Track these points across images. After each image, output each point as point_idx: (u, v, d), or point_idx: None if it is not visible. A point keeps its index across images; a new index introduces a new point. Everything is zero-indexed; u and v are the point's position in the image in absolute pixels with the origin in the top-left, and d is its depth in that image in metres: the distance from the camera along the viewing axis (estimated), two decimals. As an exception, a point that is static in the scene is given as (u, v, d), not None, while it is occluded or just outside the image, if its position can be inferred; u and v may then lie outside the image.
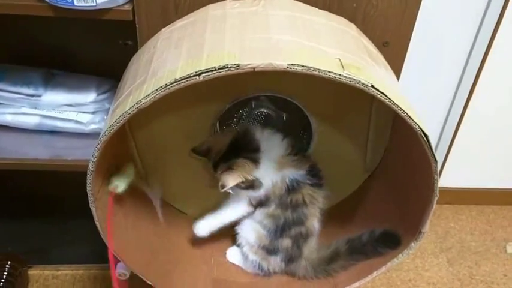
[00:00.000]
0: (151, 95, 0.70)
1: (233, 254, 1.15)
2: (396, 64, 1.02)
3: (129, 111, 0.72)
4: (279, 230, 1.04)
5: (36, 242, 1.48)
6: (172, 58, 0.77)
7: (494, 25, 1.41)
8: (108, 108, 1.14)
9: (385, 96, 0.71)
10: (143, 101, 0.71)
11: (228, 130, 1.09)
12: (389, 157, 1.12)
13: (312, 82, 0.79)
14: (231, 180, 0.95)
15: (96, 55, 1.23)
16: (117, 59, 1.00)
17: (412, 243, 0.93)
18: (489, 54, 1.46)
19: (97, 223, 0.89)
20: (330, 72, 0.68)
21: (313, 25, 0.86)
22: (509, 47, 1.47)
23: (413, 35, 1.02)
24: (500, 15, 1.38)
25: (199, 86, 0.69)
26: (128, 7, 0.94)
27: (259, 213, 1.06)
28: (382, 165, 1.15)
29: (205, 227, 1.06)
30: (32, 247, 1.46)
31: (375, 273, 1.00)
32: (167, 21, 0.95)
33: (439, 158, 1.73)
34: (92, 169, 0.80)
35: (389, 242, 0.99)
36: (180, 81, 0.68)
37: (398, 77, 1.05)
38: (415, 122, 0.73)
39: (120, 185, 0.93)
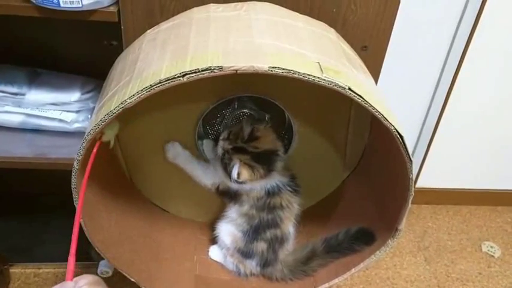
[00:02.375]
0: (136, 95, 0.72)
1: (215, 252, 1.16)
2: (375, 67, 1.05)
3: (114, 111, 0.74)
4: (254, 231, 1.06)
5: (17, 240, 1.47)
6: (157, 59, 0.79)
7: (470, 28, 1.44)
8: (93, 108, 1.15)
9: (361, 99, 0.73)
10: (128, 101, 0.72)
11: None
12: (368, 157, 1.15)
13: (293, 84, 0.81)
14: (246, 177, 0.98)
15: (81, 55, 1.24)
16: (102, 59, 1.01)
17: (389, 241, 0.96)
18: (465, 58, 1.50)
19: (81, 220, 0.89)
20: (309, 75, 0.70)
21: (294, 29, 0.88)
22: (485, 50, 1.50)
23: (391, 39, 1.05)
24: (476, 18, 1.42)
25: (183, 86, 0.71)
26: (113, 9, 0.95)
27: (234, 211, 1.09)
28: (360, 165, 1.17)
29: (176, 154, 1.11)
30: (14, 245, 1.45)
31: (353, 270, 1.02)
32: (152, 22, 0.96)
33: (418, 160, 1.76)
34: (76, 167, 0.81)
35: (364, 239, 1.02)
36: (164, 82, 0.70)
37: (376, 79, 1.07)
38: (390, 123, 0.76)
39: (107, 133, 0.89)
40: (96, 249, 0.94)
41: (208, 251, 1.17)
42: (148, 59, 0.81)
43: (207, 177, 1.10)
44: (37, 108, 1.14)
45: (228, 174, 1.00)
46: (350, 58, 0.89)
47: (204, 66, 0.69)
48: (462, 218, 1.87)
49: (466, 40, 1.47)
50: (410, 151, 0.81)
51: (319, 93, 0.96)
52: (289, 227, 1.08)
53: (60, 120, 1.14)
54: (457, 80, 1.56)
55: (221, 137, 1.03)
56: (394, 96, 1.51)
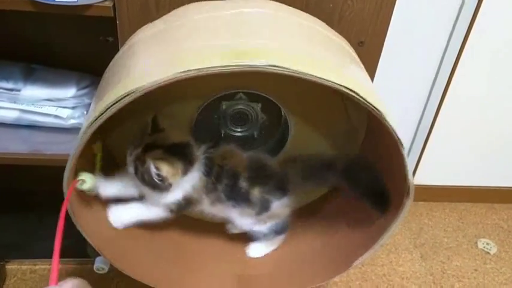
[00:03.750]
0: (140, 89, 0.71)
1: (256, 249, 1.16)
2: (371, 63, 1.05)
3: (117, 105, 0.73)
4: (232, 196, 1.02)
5: (13, 236, 1.47)
6: (154, 60, 0.79)
7: (468, 24, 1.44)
8: (88, 104, 1.15)
9: (357, 95, 0.74)
10: (131, 94, 0.71)
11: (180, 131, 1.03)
12: (364, 150, 1.15)
13: (289, 80, 0.81)
14: (167, 171, 0.91)
15: (77, 51, 1.23)
16: (98, 55, 1.00)
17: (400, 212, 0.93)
18: (462, 55, 1.50)
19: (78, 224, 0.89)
20: (319, 77, 0.71)
21: (289, 24, 0.88)
22: (483, 47, 1.51)
23: (388, 34, 1.04)
24: (473, 15, 1.42)
25: (177, 85, 0.71)
26: (108, 3, 0.94)
27: (215, 209, 1.05)
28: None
29: (121, 217, 1.03)
30: (9, 242, 1.45)
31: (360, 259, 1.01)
32: (148, 18, 0.96)
33: (414, 157, 1.77)
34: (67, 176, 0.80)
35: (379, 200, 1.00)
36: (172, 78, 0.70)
37: (373, 75, 1.07)
38: (377, 110, 0.76)
39: (87, 181, 0.88)
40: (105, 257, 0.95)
41: (248, 251, 1.16)
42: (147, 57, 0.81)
43: (157, 210, 1.01)
44: (32, 104, 1.13)
45: (151, 183, 0.92)
46: (345, 52, 0.90)
47: (208, 65, 0.69)
48: (458, 215, 1.87)
49: (463, 37, 1.47)
50: (406, 147, 0.80)
51: (315, 89, 0.96)
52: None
53: (56, 116, 1.14)
54: (453, 77, 1.56)
55: (128, 155, 0.95)
56: (391, 93, 1.52)
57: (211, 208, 1.04)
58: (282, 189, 1.05)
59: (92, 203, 0.97)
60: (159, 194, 0.96)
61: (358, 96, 0.74)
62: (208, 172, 0.98)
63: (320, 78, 0.71)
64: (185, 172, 0.95)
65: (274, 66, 0.70)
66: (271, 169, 1.06)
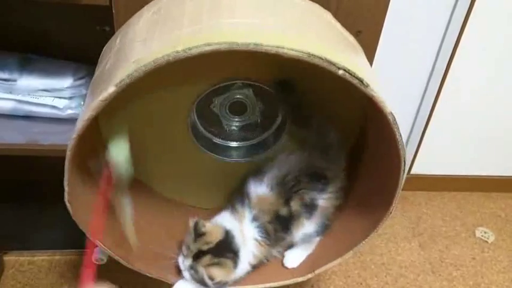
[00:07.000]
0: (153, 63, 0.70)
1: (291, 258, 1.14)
2: (369, 52, 1.03)
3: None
4: (283, 223, 1.04)
5: (11, 227, 1.47)
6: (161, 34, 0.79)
7: (465, 14, 1.44)
8: (85, 94, 1.14)
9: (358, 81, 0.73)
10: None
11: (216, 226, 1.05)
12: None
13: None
14: (221, 276, 0.97)
15: (73, 41, 1.22)
16: (94, 45, 1.00)
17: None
18: (459, 45, 1.50)
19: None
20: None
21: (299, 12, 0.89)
22: (480, 37, 1.50)
23: (385, 24, 1.04)
24: (470, 4, 1.41)
25: (177, 69, 0.70)
26: (103, -8, 0.94)
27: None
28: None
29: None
30: (8, 233, 1.45)
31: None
32: (144, 6, 0.95)
33: (412, 147, 1.77)
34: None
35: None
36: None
37: (370, 65, 1.07)
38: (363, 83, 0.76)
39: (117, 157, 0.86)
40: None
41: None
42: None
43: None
44: (29, 95, 1.13)
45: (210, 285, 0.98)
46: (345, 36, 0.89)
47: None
48: (456, 204, 1.88)
49: (460, 27, 1.47)
50: (404, 137, 0.80)
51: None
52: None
53: (53, 107, 1.13)
54: (451, 68, 1.56)
55: (180, 263, 1.01)
56: (388, 83, 1.51)
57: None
58: (319, 179, 1.05)
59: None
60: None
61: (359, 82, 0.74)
62: (267, 236, 1.03)
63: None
64: (236, 265, 1.00)
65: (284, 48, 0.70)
66: (292, 175, 1.05)
